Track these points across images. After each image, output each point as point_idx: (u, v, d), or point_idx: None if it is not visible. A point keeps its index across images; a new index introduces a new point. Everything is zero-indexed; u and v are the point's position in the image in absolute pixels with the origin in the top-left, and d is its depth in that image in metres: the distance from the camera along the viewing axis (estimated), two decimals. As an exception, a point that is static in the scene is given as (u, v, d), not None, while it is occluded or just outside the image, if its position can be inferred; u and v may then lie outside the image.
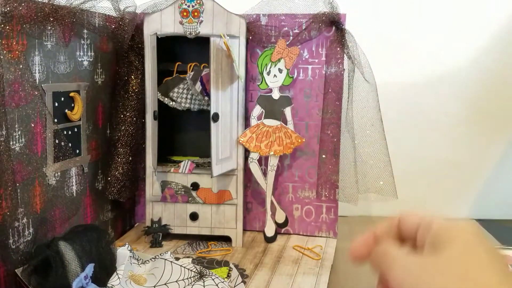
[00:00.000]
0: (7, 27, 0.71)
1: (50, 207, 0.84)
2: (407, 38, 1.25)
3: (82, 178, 0.94)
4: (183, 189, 1.04)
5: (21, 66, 0.74)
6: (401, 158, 1.10)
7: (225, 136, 0.98)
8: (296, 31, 1.04)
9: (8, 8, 0.70)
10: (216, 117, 0.94)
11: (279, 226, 1.10)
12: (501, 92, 1.27)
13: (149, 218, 1.05)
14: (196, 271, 0.77)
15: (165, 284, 0.76)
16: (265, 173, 1.05)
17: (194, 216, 1.04)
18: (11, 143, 0.72)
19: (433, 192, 1.29)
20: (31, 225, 0.79)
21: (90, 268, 0.70)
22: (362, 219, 1.26)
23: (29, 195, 0.78)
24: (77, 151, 0.92)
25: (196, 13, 0.98)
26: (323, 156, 1.02)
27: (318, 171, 1.04)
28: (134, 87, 1.01)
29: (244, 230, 1.12)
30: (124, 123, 0.99)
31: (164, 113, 1.08)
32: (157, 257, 0.79)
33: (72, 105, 0.90)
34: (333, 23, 1.02)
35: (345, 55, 1.02)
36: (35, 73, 0.79)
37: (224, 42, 0.92)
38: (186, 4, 0.98)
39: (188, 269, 0.77)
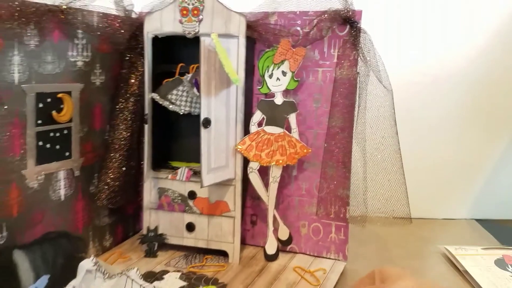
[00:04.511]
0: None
1: (30, 210, 0.82)
2: (406, 38, 1.23)
3: (72, 181, 0.91)
4: (180, 198, 0.98)
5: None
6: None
7: (219, 143, 0.91)
8: (307, 30, 0.94)
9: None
10: (207, 123, 0.87)
11: (282, 243, 1.00)
12: (500, 93, 1.24)
13: (146, 226, 1.01)
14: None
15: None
16: (267, 185, 0.96)
17: (190, 227, 0.98)
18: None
19: (433, 192, 1.28)
20: (4, 229, 0.77)
21: (42, 281, 0.66)
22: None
23: (3, 198, 0.77)
24: (67, 153, 0.90)
25: (195, 11, 0.92)
26: (327, 168, 0.91)
27: (320, 186, 0.93)
28: (133, 89, 0.97)
29: (248, 244, 1.04)
30: (119, 126, 0.95)
31: (166, 117, 1.03)
32: (123, 272, 0.74)
33: (61, 106, 0.87)
34: (347, 21, 0.91)
35: (359, 57, 0.90)
36: (13, 73, 0.77)
37: (215, 43, 0.85)
38: (186, 2, 0.92)
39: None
